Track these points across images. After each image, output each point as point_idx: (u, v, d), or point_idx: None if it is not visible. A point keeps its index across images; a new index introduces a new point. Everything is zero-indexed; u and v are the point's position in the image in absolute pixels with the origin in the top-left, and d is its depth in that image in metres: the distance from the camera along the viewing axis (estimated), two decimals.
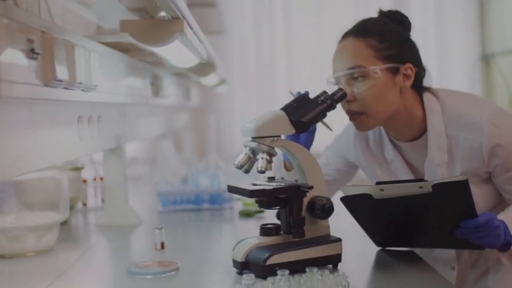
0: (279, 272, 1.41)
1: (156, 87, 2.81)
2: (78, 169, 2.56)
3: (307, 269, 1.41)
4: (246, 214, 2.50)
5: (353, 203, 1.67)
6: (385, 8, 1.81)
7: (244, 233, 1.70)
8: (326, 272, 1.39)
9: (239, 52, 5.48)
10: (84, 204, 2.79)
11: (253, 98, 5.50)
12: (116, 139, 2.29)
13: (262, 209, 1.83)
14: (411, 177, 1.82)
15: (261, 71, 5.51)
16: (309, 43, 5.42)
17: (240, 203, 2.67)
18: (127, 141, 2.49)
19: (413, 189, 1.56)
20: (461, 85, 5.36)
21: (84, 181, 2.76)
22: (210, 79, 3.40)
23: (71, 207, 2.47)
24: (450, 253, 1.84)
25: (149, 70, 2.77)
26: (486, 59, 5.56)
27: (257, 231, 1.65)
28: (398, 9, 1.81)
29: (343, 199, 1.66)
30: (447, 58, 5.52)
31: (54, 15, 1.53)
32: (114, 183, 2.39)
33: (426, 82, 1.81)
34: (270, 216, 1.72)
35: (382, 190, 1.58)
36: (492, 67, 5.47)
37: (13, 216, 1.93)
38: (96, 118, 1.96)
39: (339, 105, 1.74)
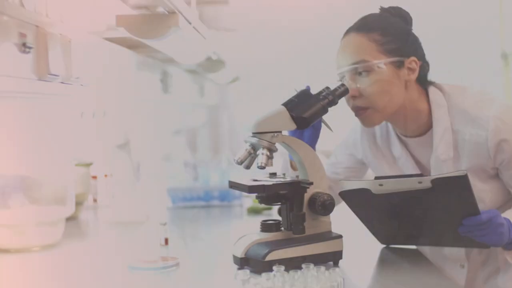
0: (274, 267, 1.39)
1: (165, 84, 2.81)
2: (87, 165, 2.57)
3: (303, 265, 1.40)
4: (254, 211, 2.49)
5: (352, 198, 1.65)
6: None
7: (251, 230, 1.67)
8: (322, 268, 1.37)
9: (253, 49, 5.46)
10: (95, 200, 2.81)
11: (266, 96, 5.48)
12: (124, 135, 2.30)
13: (270, 206, 1.81)
14: (418, 173, 1.80)
15: (274, 69, 5.48)
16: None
17: (250, 199, 2.66)
18: (136, 137, 2.50)
19: (412, 184, 1.54)
20: (481, 83, 5.29)
21: (94, 177, 2.77)
22: (221, 76, 3.39)
23: (80, 203, 2.48)
24: (459, 251, 1.81)
25: (158, 67, 2.77)
26: (505, 57, 5.48)
27: None
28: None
29: (341, 194, 1.64)
30: (466, 56, 5.46)
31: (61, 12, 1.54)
32: (122, 179, 2.39)
33: (430, 77, 1.79)
34: None
35: (381, 185, 1.56)
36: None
37: (19, 211, 1.94)
38: (101, 114, 1.97)
39: (342, 105, 1.72)
